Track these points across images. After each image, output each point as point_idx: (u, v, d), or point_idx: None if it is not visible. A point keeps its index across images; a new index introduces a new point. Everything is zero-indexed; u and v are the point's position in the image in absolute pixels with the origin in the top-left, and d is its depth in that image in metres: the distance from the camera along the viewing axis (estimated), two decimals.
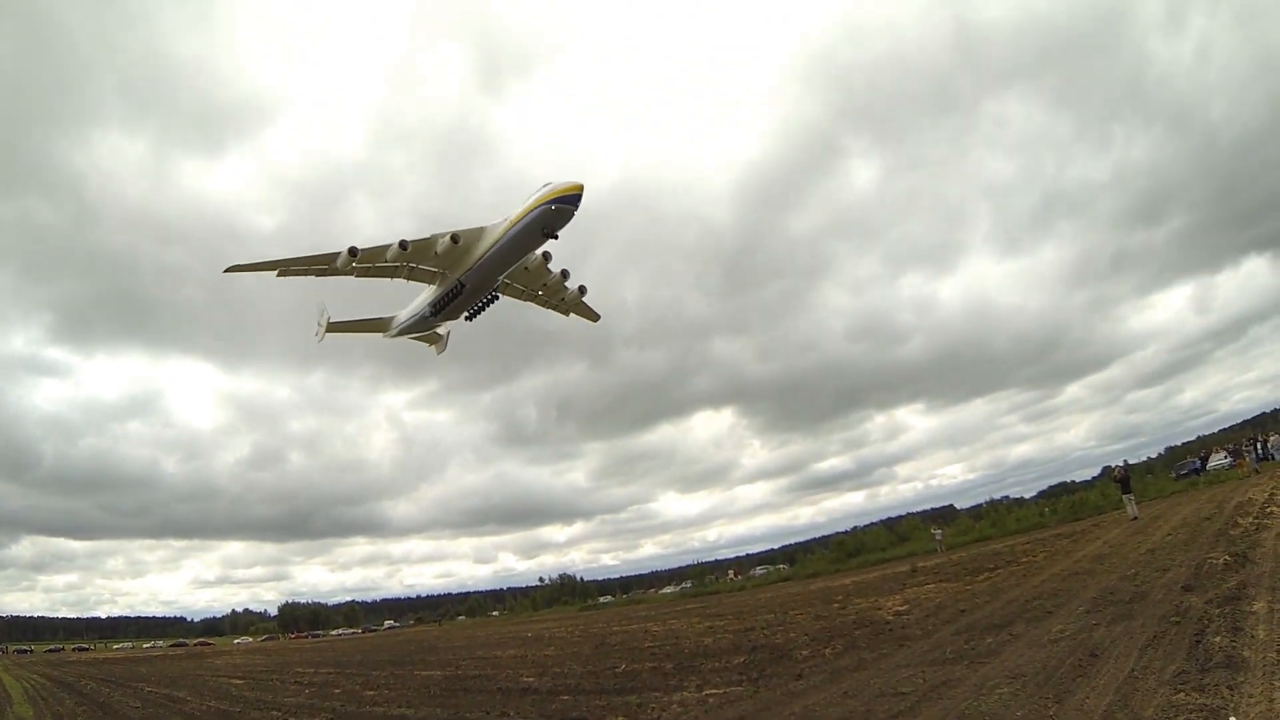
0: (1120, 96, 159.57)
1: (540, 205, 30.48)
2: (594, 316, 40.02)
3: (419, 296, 37.83)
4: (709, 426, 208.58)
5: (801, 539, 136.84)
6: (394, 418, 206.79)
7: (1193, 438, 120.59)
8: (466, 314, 36.94)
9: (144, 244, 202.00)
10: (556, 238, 31.34)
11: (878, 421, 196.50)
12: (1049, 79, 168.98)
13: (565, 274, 37.49)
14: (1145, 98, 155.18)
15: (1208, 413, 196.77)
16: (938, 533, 58.15)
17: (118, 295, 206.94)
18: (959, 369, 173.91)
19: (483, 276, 34.23)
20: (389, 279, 34.83)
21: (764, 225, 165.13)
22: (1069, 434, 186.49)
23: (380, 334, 41.24)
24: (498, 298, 36.51)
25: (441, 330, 41.06)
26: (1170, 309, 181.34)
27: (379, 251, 33.07)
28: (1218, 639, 11.25)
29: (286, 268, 32.33)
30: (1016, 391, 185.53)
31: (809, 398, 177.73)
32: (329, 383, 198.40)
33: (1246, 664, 9.78)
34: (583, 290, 38.16)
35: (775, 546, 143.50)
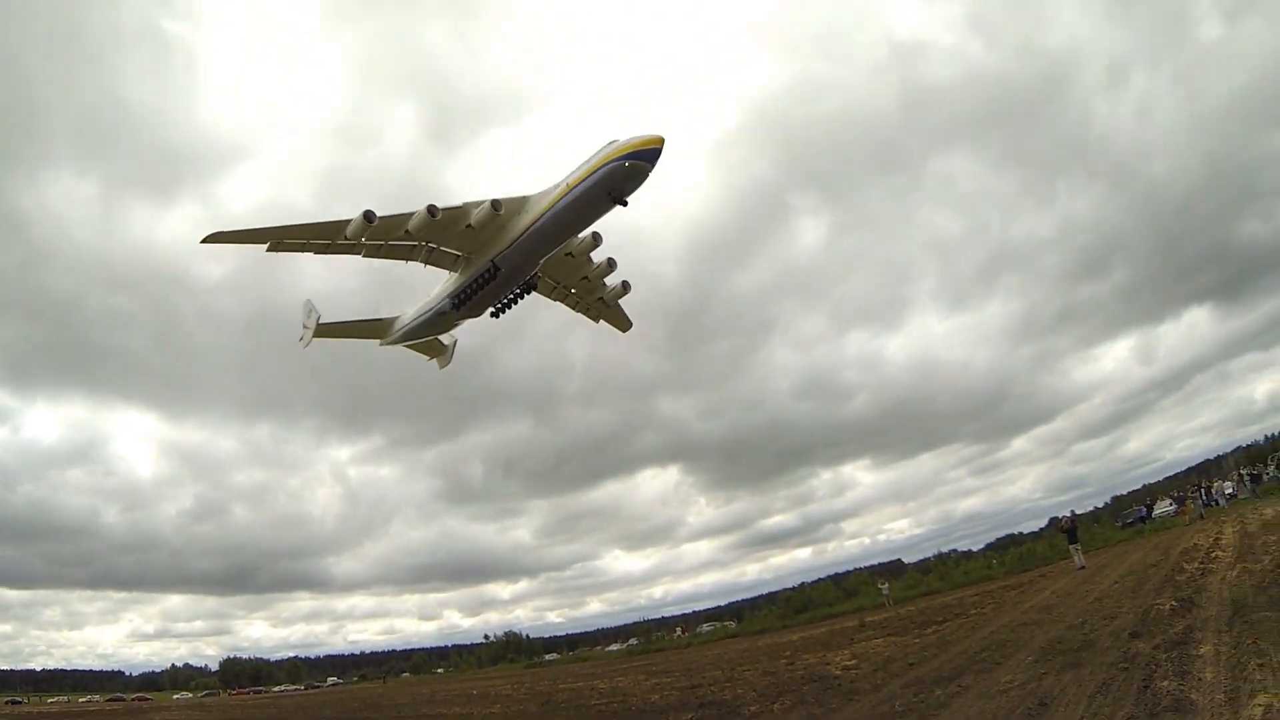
0: (1064, 154, 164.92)
1: (611, 161, 26.05)
2: (626, 324, 35.62)
3: (435, 288, 32.95)
4: (654, 484, 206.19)
5: (748, 595, 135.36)
6: (338, 472, 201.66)
7: (1138, 486, 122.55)
8: (494, 308, 32.10)
9: (90, 289, 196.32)
10: (626, 204, 26.92)
11: (824, 478, 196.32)
12: (995, 137, 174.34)
13: (612, 264, 32.80)
14: (1088, 155, 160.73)
15: (1153, 461, 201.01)
16: (885, 587, 57.83)
17: (61, 340, 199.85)
18: (905, 425, 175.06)
19: (524, 256, 29.55)
20: (404, 261, 30.27)
21: (711, 282, 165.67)
22: (1016, 486, 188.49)
23: (377, 340, 35.73)
24: (534, 288, 32.04)
25: (446, 340, 36.29)
26: (1114, 361, 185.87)
27: (399, 221, 28.28)
28: (1165, 683, 11.02)
29: (280, 239, 27.84)
30: (963, 446, 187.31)
31: (755, 455, 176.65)
32: (274, 435, 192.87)
33: (1194, 707, 9.60)
34: (626, 287, 33.94)
35: (722, 603, 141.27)
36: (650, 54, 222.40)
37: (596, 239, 31.40)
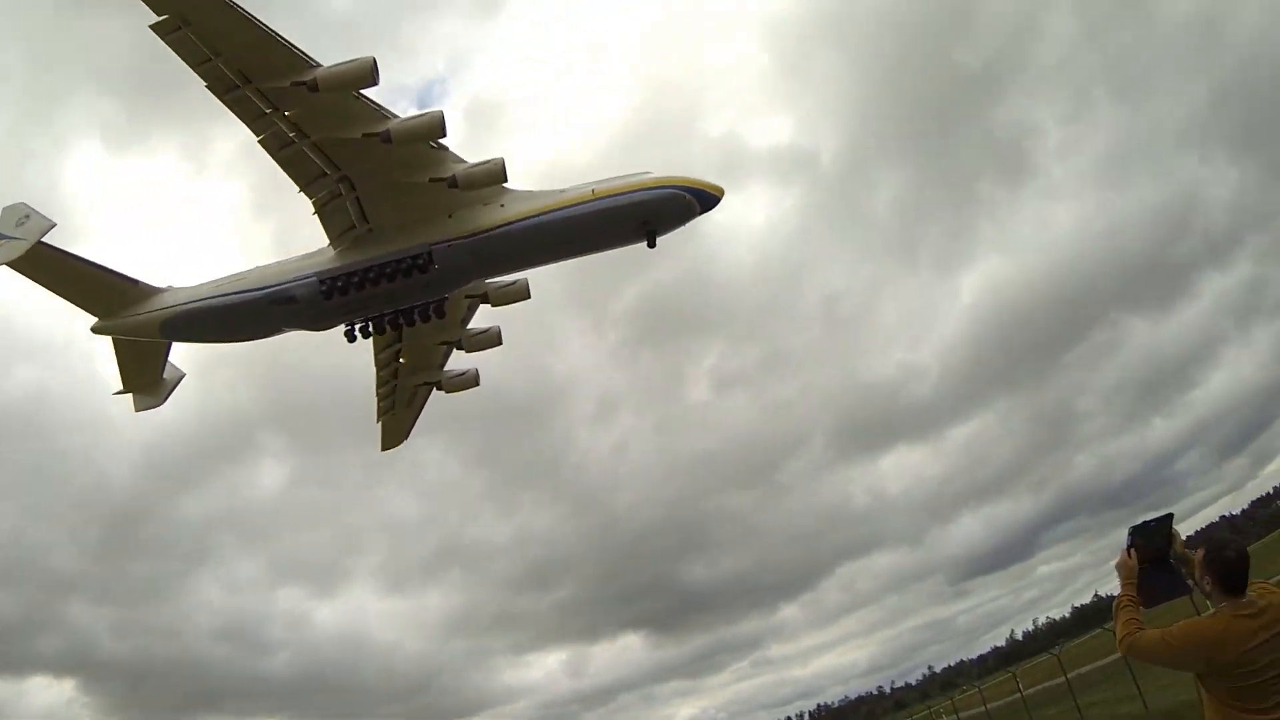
0: (538, 470, 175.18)
1: (670, 187, 21.01)
2: (401, 437, 27.89)
3: (281, 261, 23.05)
4: (45, 695, 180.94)
5: None
6: None
7: None
8: (360, 322, 22.95)
9: None
10: (654, 245, 21.65)
11: None
12: (475, 436, 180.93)
13: (496, 338, 25.68)
14: (561, 475, 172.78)
15: None
16: None
17: None
18: (325, 693, 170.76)
19: (473, 260, 21.65)
20: (299, 183, 20.85)
21: (158, 495, 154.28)
22: None
23: (98, 315, 23.29)
24: (442, 314, 23.33)
25: (171, 372, 24.85)
26: (545, 670, 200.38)
27: (370, 117, 19.38)
28: None
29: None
30: None
31: (162, 689, 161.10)
32: None
33: None
34: (475, 379, 26.49)
35: None
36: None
37: (526, 291, 24.54)
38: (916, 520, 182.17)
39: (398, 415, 27.23)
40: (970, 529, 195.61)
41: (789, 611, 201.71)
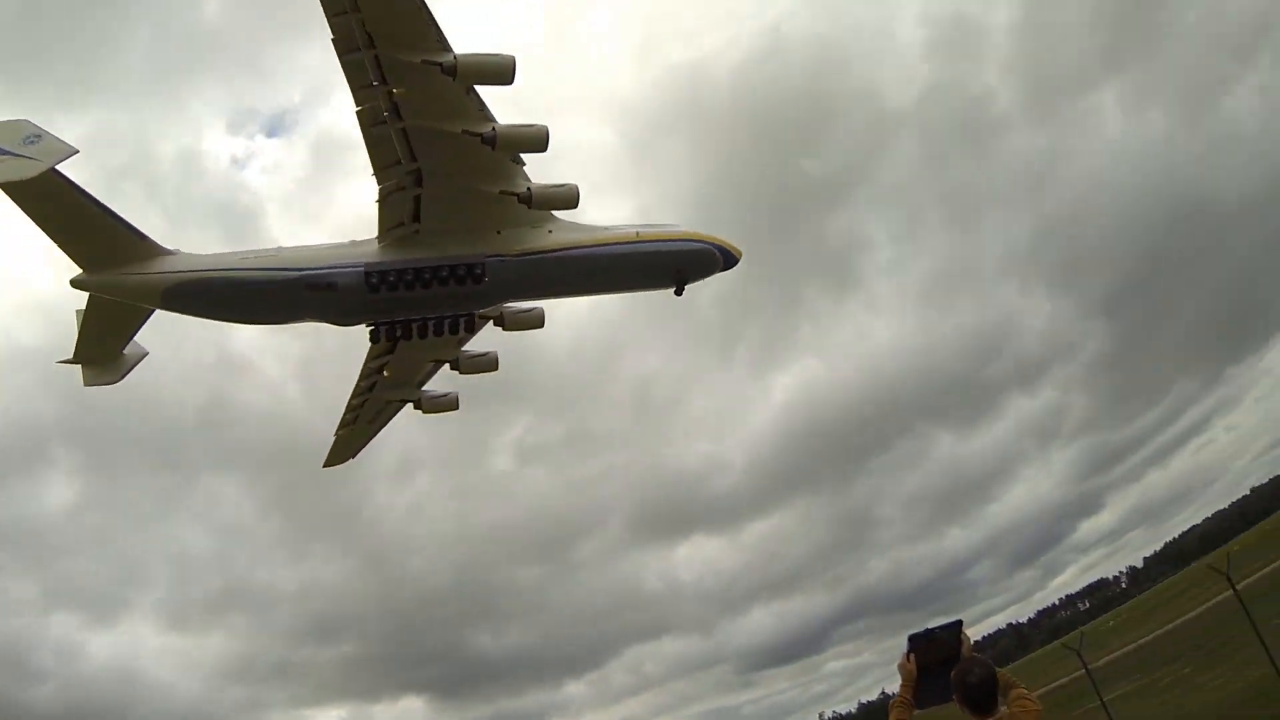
0: (329, 520, 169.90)
1: (708, 243, 22.81)
2: (349, 455, 27.38)
3: (334, 246, 22.38)
4: None
5: None
6: None
7: None
8: (389, 323, 22.42)
9: None
10: (681, 293, 23.20)
11: None
12: (269, 479, 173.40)
13: (492, 363, 25.40)
14: (352, 531, 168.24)
15: None
16: None
17: None
18: None
19: (520, 279, 22.16)
20: (378, 162, 20.50)
21: None
22: None
23: (88, 265, 20.91)
24: (472, 329, 23.63)
25: (134, 349, 22.54)
26: None
27: (473, 112, 19.59)
28: None
29: None
30: None
31: None
32: None
33: None
34: (454, 403, 26.20)
35: None
36: None
37: (541, 319, 25.15)
38: (708, 609, 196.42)
39: (356, 430, 26.45)
40: (762, 621, 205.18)
41: (575, 688, 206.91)
